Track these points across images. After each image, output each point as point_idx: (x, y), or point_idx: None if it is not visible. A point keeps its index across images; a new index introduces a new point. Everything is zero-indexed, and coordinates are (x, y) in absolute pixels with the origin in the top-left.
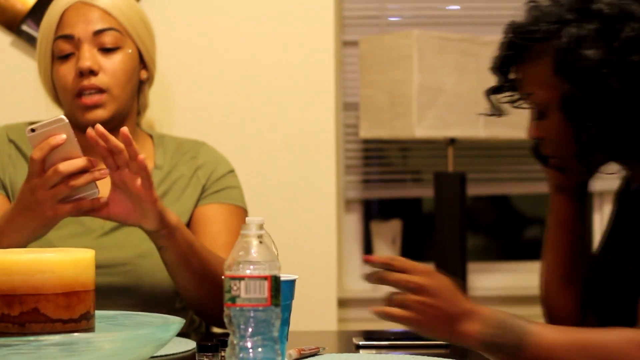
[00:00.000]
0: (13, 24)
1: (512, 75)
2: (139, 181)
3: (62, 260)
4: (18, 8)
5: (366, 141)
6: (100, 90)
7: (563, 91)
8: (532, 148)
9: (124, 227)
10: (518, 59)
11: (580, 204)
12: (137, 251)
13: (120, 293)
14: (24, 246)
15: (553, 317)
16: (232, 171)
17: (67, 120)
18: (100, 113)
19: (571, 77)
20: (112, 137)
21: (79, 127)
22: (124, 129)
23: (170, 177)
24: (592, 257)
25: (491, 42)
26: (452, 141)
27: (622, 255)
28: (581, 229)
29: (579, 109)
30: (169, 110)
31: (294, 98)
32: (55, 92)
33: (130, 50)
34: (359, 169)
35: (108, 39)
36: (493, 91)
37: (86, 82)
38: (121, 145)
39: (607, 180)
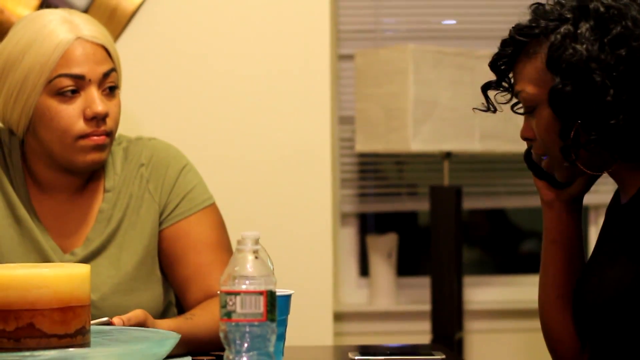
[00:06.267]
0: None
1: (509, 73)
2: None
3: (57, 275)
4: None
5: (362, 155)
6: (107, 134)
7: (552, 85)
8: (525, 156)
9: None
10: (515, 55)
11: (575, 220)
12: (99, 294)
13: None
14: None
15: (552, 340)
16: (185, 166)
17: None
18: (104, 155)
19: (560, 70)
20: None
21: (69, 169)
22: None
23: (122, 198)
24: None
25: (486, 56)
26: (447, 155)
27: (606, 273)
28: (577, 247)
29: (566, 103)
30: (165, 123)
31: (290, 112)
32: (29, 123)
33: (119, 90)
34: (354, 183)
35: (110, 80)
36: (489, 87)
37: (97, 128)
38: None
39: (602, 194)
